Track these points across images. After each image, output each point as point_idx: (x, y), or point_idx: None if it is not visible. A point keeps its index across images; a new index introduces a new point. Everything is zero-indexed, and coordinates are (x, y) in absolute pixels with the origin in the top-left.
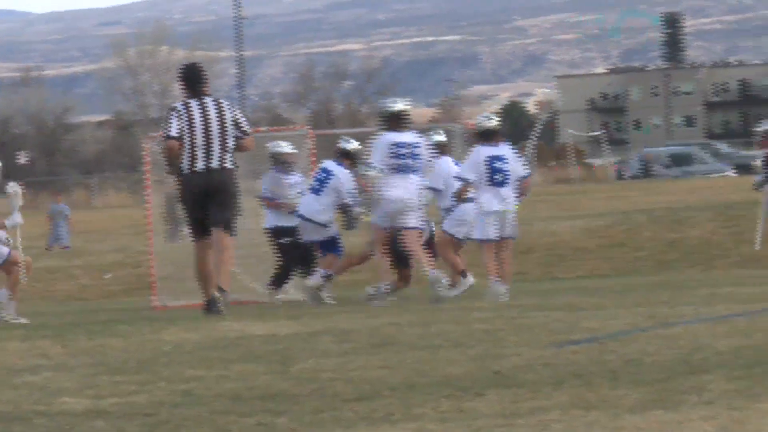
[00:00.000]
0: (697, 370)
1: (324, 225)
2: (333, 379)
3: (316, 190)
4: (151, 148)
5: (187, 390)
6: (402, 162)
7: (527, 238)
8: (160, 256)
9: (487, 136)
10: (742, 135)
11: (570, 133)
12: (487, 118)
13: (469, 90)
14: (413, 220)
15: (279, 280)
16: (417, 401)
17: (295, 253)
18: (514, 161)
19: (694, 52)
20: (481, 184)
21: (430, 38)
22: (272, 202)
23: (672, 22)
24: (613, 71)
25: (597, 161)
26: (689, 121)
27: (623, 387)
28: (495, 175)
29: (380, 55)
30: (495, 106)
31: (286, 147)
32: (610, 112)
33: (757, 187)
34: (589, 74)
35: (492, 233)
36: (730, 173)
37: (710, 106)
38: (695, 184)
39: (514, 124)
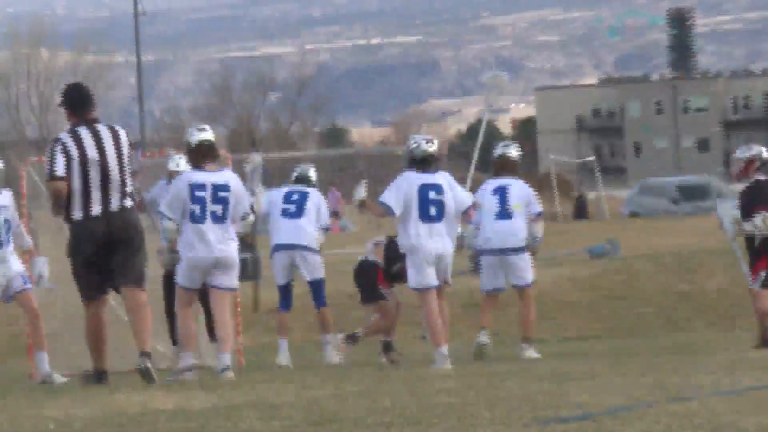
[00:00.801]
0: None
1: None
2: None
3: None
4: (29, 176)
5: None
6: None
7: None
8: (42, 311)
9: (421, 162)
10: None
11: (554, 159)
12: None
13: (427, 104)
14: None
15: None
16: None
17: None
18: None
19: (707, 58)
20: (409, 217)
21: (376, 40)
22: None
23: (680, 21)
24: (607, 82)
25: (589, 194)
26: (703, 145)
27: None
28: (429, 208)
29: (314, 60)
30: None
31: (185, 165)
32: (604, 133)
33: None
34: (576, 85)
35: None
36: None
37: (729, 126)
38: (711, 223)
39: (485, 147)
